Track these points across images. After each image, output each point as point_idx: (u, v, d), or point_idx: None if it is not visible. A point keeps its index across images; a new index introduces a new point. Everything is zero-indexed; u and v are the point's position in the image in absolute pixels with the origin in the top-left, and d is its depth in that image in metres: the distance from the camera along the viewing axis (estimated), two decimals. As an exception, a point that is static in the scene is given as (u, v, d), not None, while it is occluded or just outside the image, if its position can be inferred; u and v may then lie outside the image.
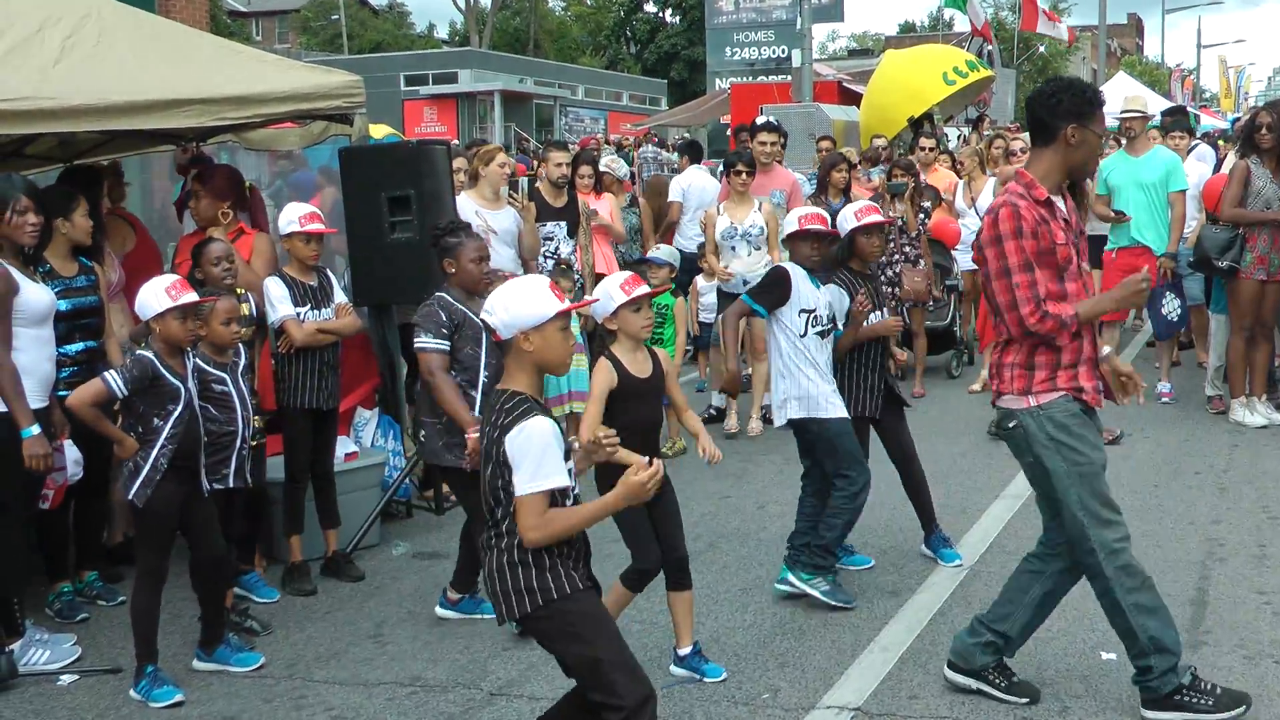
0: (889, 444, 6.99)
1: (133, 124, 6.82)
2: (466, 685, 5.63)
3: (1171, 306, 10.54)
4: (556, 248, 9.82)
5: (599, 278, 10.21)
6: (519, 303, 3.96)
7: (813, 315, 6.43)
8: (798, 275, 6.45)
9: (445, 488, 7.96)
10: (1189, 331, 12.35)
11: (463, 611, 6.46)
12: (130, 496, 5.56)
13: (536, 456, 3.89)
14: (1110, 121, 17.84)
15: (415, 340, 6.13)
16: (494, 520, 4.06)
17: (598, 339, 5.61)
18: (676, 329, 9.44)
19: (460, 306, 6.14)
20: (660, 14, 73.58)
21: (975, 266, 6.34)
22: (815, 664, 5.72)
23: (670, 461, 9.14)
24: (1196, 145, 13.82)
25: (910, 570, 6.84)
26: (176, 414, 5.59)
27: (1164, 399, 10.80)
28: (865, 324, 6.61)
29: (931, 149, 13.02)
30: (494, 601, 4.09)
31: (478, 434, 5.69)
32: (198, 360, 5.95)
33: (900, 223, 10.98)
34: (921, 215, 11.31)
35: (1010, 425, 5.02)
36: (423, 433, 6.43)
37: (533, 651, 5.86)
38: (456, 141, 39.24)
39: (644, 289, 5.39)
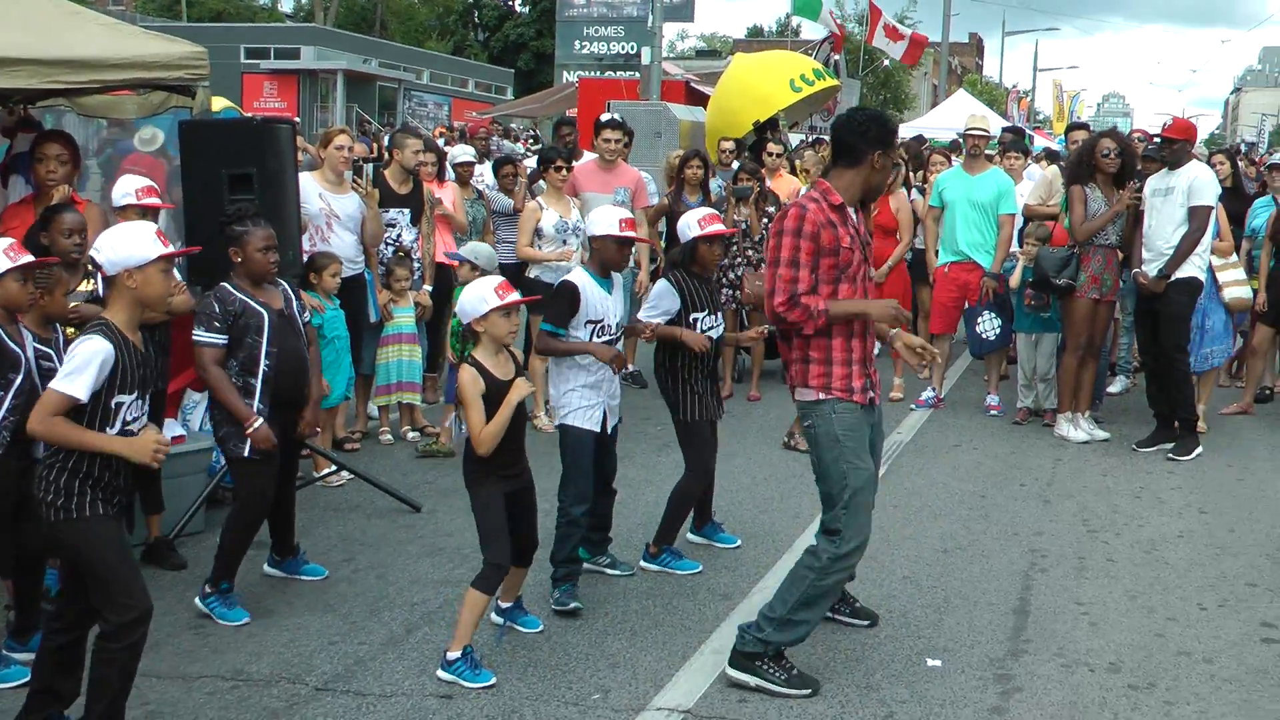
0: None
1: (-45, 82, 6.50)
2: (291, 680, 5.48)
3: (987, 325, 10.80)
4: (399, 235, 9.68)
5: (439, 267, 10.11)
6: (124, 244, 4.57)
7: (600, 325, 6.39)
8: (587, 285, 6.37)
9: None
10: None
11: (287, 571, 6.66)
12: None
13: (77, 363, 4.42)
14: (951, 136, 18.21)
15: (193, 333, 6.06)
16: None
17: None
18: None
19: (239, 295, 6.06)
20: (509, 2, 73.15)
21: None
22: (646, 665, 5.71)
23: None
24: (1029, 166, 14.18)
25: (743, 574, 6.88)
26: (18, 383, 5.22)
27: (991, 411, 11.07)
28: (680, 334, 6.69)
29: (778, 155, 13.08)
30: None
31: (259, 423, 5.99)
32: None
33: (744, 227, 11.06)
34: (765, 220, 11.40)
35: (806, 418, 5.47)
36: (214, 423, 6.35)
37: (360, 646, 5.79)
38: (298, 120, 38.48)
39: (516, 295, 5.55)
